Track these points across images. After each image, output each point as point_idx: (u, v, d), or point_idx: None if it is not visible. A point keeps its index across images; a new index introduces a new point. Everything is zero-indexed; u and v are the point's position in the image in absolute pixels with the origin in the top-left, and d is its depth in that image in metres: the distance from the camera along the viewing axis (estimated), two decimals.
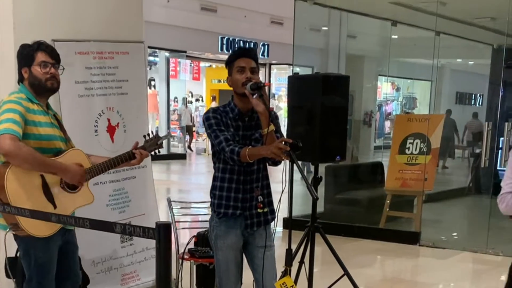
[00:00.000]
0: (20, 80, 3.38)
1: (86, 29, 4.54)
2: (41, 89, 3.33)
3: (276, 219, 3.58)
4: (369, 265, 6.79)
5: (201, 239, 4.47)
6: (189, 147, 19.85)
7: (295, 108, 4.53)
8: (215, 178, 3.47)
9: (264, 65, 20.09)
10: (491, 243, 7.13)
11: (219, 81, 22.79)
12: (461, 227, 9.26)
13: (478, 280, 6.44)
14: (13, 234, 3.29)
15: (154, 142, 3.64)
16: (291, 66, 9.10)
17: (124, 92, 4.77)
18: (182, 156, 18.11)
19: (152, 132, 3.72)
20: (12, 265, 3.53)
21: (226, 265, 3.45)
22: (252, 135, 3.42)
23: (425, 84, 16.13)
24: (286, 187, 3.28)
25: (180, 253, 4.50)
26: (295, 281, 4.03)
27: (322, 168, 5.25)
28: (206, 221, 3.84)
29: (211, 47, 17.86)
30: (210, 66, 22.97)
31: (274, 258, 3.54)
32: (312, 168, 4.63)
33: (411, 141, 8.13)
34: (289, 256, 3.36)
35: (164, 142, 3.80)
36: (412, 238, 7.51)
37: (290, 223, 3.25)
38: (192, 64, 20.80)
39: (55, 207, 3.27)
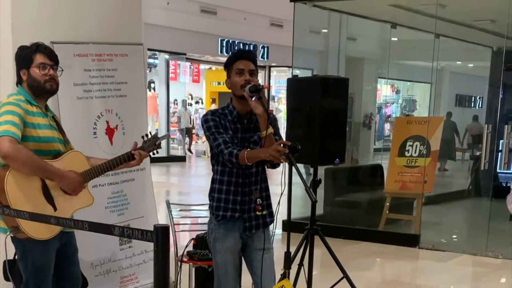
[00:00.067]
0: (19, 82, 3.37)
1: (85, 31, 4.54)
2: (40, 91, 3.33)
3: (275, 222, 3.58)
4: (368, 267, 6.78)
5: (200, 242, 4.46)
6: (189, 150, 19.85)
7: (294, 111, 4.52)
8: (213, 181, 3.46)
9: (263, 67, 20.10)
10: (491, 245, 7.12)
11: (219, 83, 22.75)
12: (460, 229, 9.26)
13: (478, 283, 6.42)
14: (11, 236, 3.28)
15: (152, 142, 3.63)
16: (291, 69, 9.08)
17: (123, 95, 4.76)
18: (181, 159, 18.10)
19: (150, 133, 3.72)
20: (11, 268, 3.52)
21: (225, 268, 3.44)
22: (250, 137, 3.41)
23: (424, 87, 16.10)
24: (285, 189, 3.27)
25: (179, 255, 4.48)
26: (294, 284, 4.02)
27: (321, 170, 5.25)
28: (205, 223, 3.83)
29: (211, 49, 17.87)
30: (210, 68, 22.98)
31: (273, 261, 3.53)
32: (311, 170, 4.62)
33: (411, 143, 8.12)
34: (288, 259, 3.35)
35: (164, 144, 3.80)
36: (411, 240, 7.50)
37: (289, 226, 3.24)
38: (192, 67, 20.83)
39: (55, 209, 3.26)
